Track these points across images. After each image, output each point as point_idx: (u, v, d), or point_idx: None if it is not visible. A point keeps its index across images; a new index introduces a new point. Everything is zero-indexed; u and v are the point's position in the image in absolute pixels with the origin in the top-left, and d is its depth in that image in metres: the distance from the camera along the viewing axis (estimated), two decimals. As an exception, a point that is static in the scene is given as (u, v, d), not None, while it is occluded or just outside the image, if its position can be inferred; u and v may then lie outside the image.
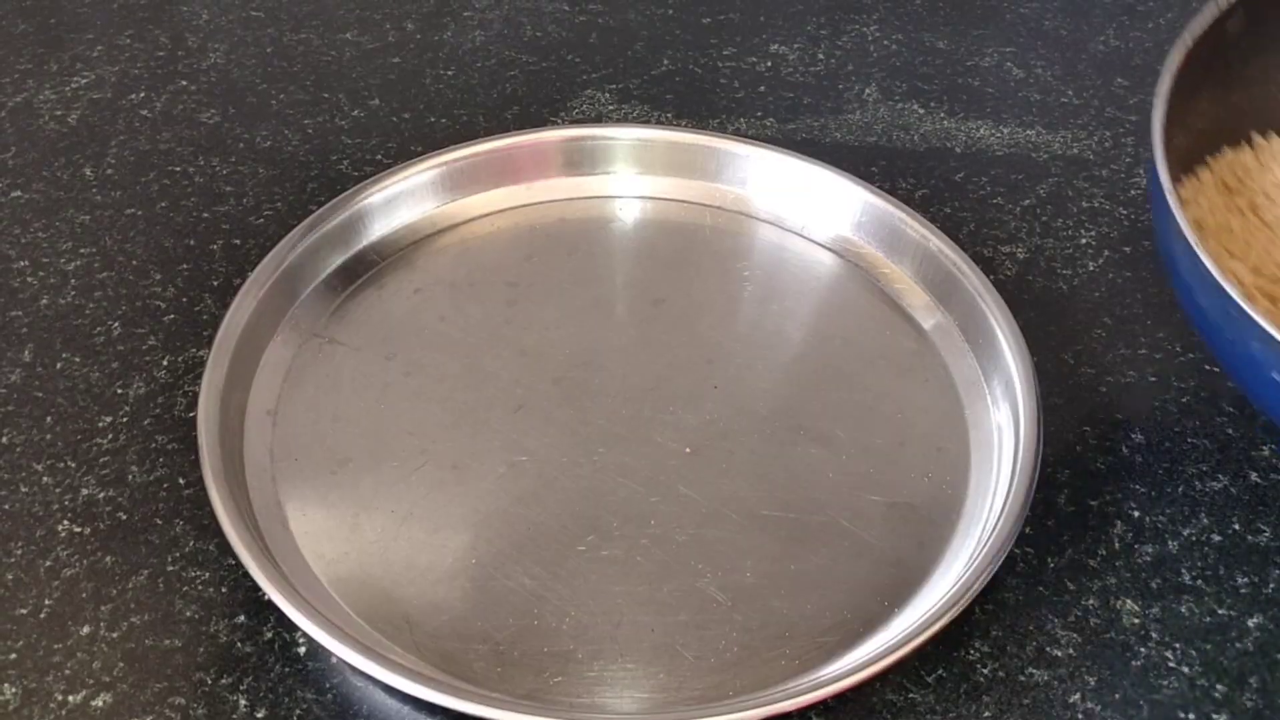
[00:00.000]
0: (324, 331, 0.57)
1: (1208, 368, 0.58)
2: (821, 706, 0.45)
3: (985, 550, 0.47)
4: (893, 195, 0.61)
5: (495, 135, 0.64)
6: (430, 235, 0.62)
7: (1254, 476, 0.53)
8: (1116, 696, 0.45)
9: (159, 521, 0.50)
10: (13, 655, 0.46)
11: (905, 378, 0.55)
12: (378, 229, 0.61)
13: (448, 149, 0.63)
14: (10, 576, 0.48)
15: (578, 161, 0.64)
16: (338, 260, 0.59)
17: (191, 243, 0.63)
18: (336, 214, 0.59)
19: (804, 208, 0.62)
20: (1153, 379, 0.57)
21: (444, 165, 0.62)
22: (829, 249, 0.62)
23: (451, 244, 0.62)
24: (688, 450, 0.52)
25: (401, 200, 0.61)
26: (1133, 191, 0.67)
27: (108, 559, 0.49)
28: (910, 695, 0.45)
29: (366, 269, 0.60)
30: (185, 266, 0.62)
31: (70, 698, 0.45)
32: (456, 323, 0.57)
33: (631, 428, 0.53)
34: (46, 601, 0.48)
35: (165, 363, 0.57)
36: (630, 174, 0.64)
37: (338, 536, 0.49)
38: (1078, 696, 0.45)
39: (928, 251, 0.59)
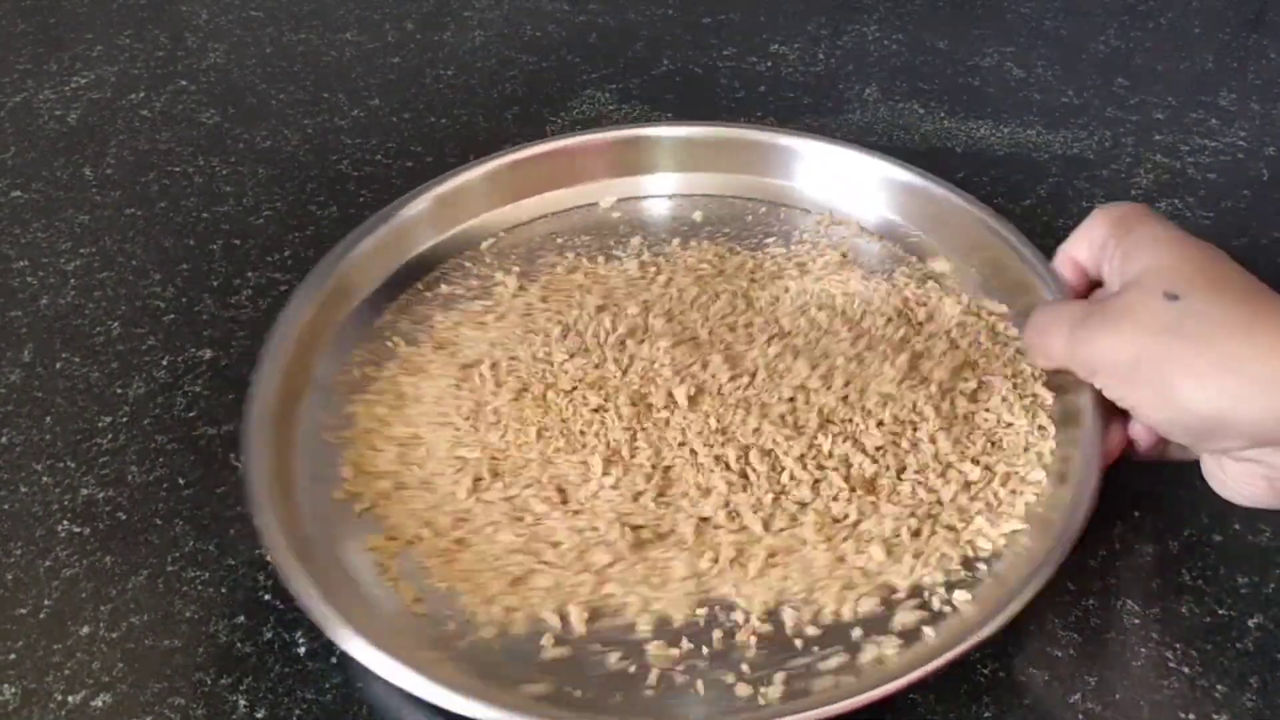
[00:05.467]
0: (379, 337, 0.56)
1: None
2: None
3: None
4: (893, 195, 0.61)
5: (544, 139, 0.63)
6: (484, 239, 0.61)
7: (1254, 476, 0.53)
8: (1117, 697, 0.45)
9: (159, 522, 0.50)
10: (12, 655, 0.46)
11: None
12: (431, 235, 0.60)
13: (497, 154, 0.62)
14: (10, 576, 0.48)
15: (626, 162, 0.63)
16: (393, 265, 0.59)
17: (191, 243, 0.63)
18: (388, 220, 0.58)
19: (850, 196, 0.62)
20: (1153, 379, 0.57)
21: (495, 169, 0.61)
22: (877, 236, 0.61)
23: (504, 248, 0.61)
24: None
25: (454, 204, 0.60)
26: (1133, 191, 0.67)
27: (107, 559, 0.49)
28: (910, 695, 0.45)
29: (421, 274, 0.59)
30: (185, 266, 0.62)
31: (70, 698, 0.44)
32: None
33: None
34: (46, 602, 0.47)
35: (165, 363, 0.57)
36: (678, 172, 0.64)
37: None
38: (1078, 697, 0.45)
39: (978, 233, 0.58)
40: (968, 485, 0.49)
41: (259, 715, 0.44)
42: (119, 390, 0.56)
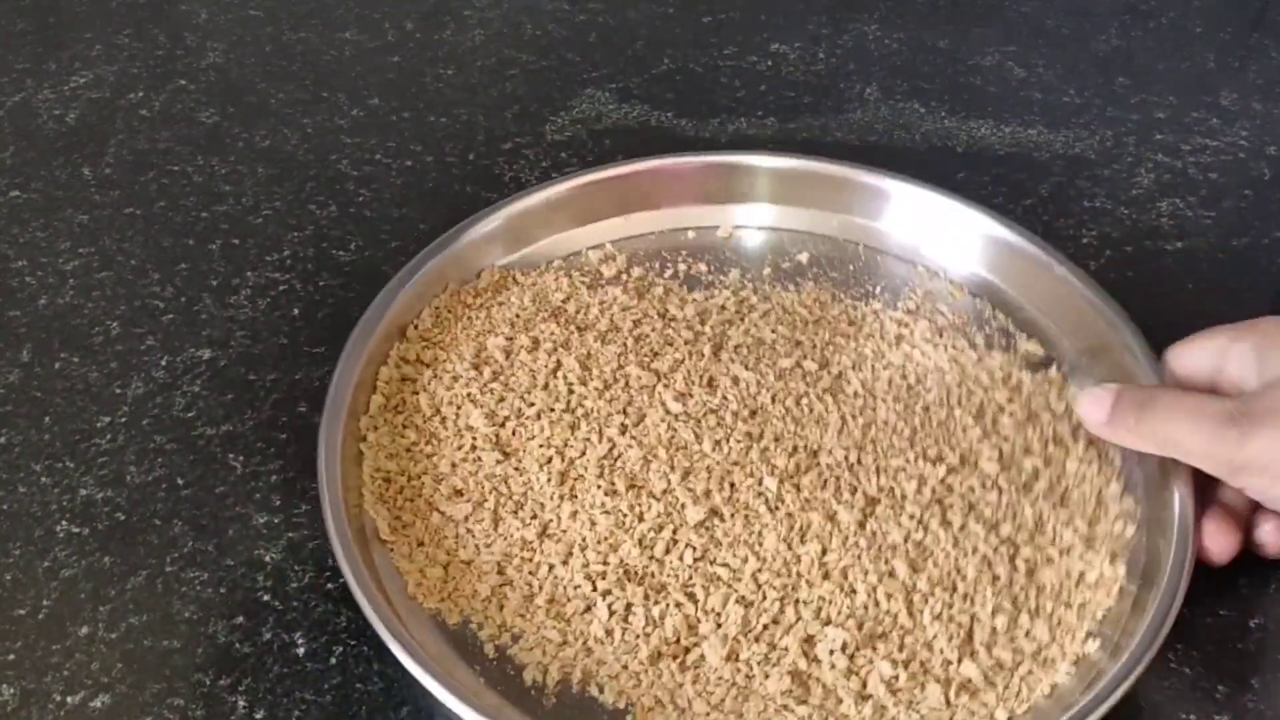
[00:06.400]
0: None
1: (1209, 368, 0.58)
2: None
3: None
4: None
5: (623, 161, 0.62)
6: (554, 259, 0.60)
7: (1255, 477, 0.53)
8: (1117, 697, 0.45)
9: (157, 522, 0.50)
10: (11, 656, 0.46)
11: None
12: (503, 253, 0.59)
13: (576, 173, 0.61)
14: (8, 577, 0.48)
15: (708, 190, 0.62)
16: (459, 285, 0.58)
17: (190, 242, 0.63)
18: (459, 239, 0.58)
19: (940, 243, 0.60)
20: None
21: (572, 190, 0.60)
22: (964, 287, 0.59)
23: (577, 269, 0.60)
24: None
25: (525, 224, 0.59)
26: (1134, 191, 0.67)
27: (106, 560, 0.49)
28: (910, 696, 0.45)
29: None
30: (184, 266, 0.62)
31: (69, 699, 0.44)
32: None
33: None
34: (45, 602, 0.47)
35: (164, 363, 0.57)
36: (761, 203, 0.62)
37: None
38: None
39: (1058, 286, 0.57)
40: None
41: (258, 716, 0.44)
42: (118, 390, 0.55)
